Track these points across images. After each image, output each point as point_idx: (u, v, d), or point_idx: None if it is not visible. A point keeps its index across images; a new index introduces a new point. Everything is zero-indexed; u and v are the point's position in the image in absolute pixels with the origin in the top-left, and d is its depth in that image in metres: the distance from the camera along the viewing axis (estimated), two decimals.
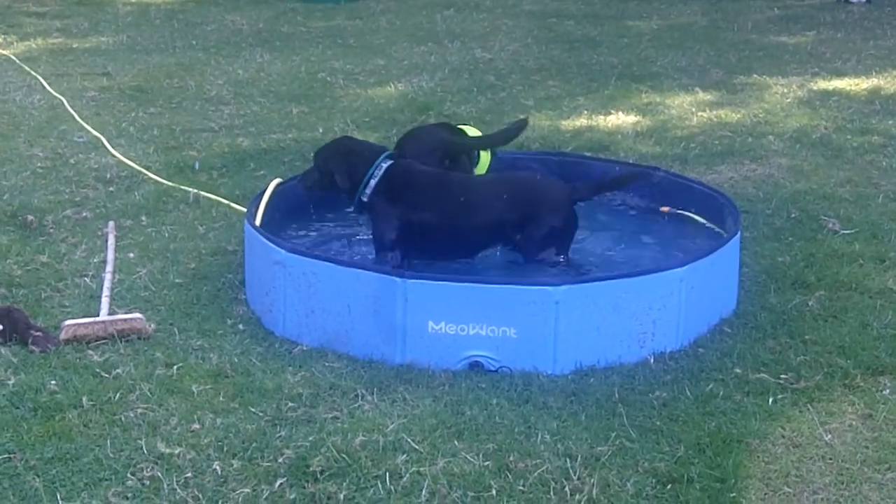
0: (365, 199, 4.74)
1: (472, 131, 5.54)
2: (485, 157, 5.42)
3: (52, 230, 5.56)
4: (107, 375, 4.05)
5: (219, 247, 5.36)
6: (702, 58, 9.91)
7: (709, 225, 5.13)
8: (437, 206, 4.69)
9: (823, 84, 8.85)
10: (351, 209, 4.94)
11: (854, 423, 3.81)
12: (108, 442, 3.62)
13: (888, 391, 4.01)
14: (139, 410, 3.82)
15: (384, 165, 4.75)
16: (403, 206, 4.69)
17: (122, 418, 3.77)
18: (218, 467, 3.48)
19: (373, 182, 4.72)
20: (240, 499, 3.34)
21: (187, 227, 5.63)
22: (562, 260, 4.71)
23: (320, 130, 7.48)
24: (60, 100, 8.10)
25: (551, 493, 3.39)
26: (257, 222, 4.78)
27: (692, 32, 11.19)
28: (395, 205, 4.69)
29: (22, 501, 3.32)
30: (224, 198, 5.99)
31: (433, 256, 4.79)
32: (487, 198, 4.74)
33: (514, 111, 8.00)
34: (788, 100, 8.37)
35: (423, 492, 3.37)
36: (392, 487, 3.40)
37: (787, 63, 9.68)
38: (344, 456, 3.53)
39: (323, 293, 4.31)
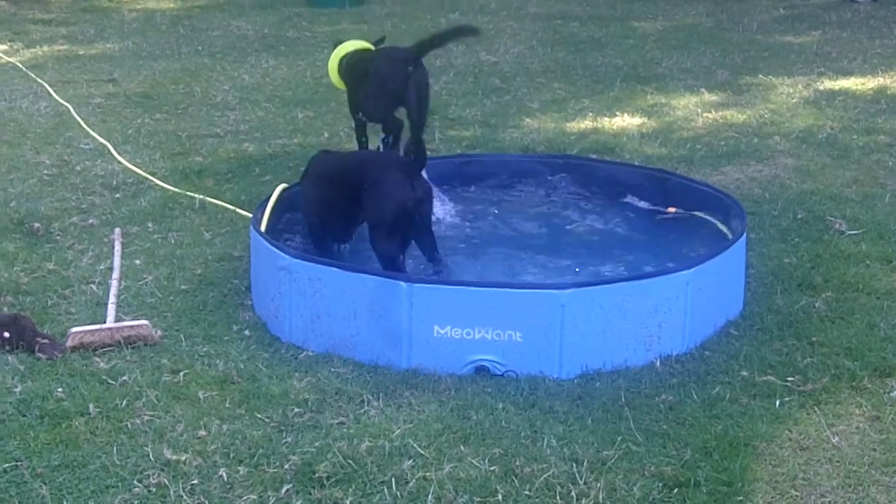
0: None
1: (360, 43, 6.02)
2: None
3: (58, 237, 5.57)
4: (113, 382, 4.06)
5: (225, 253, 5.36)
6: (707, 58, 9.90)
7: (719, 225, 5.12)
8: (317, 184, 4.99)
9: (829, 84, 8.84)
10: None
11: (861, 425, 3.80)
12: (115, 449, 3.62)
13: (895, 393, 4.00)
14: (146, 417, 3.82)
15: None
16: (309, 187, 5.06)
17: (129, 425, 3.77)
18: (224, 474, 3.48)
19: None
20: None
21: (193, 233, 5.64)
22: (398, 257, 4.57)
23: (326, 135, 7.49)
24: (66, 107, 8.11)
25: (557, 497, 3.38)
26: (263, 228, 4.79)
27: (697, 33, 11.18)
28: (307, 185, 5.09)
29: None
30: (230, 203, 6.00)
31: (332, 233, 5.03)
32: (339, 175, 4.88)
33: (518, 113, 8.00)
34: (794, 100, 8.36)
35: (430, 497, 3.37)
36: (398, 493, 3.39)
37: (792, 63, 9.66)
38: (350, 461, 3.53)
39: (328, 298, 4.31)
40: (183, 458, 3.56)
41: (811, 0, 13.32)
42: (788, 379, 4.09)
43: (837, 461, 3.59)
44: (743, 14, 12.25)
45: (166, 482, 3.44)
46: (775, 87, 8.77)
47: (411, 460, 3.56)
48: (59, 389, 3.99)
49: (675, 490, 3.42)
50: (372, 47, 5.97)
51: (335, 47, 6.04)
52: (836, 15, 12.10)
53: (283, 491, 3.40)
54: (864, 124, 7.63)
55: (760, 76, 9.12)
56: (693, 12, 12.51)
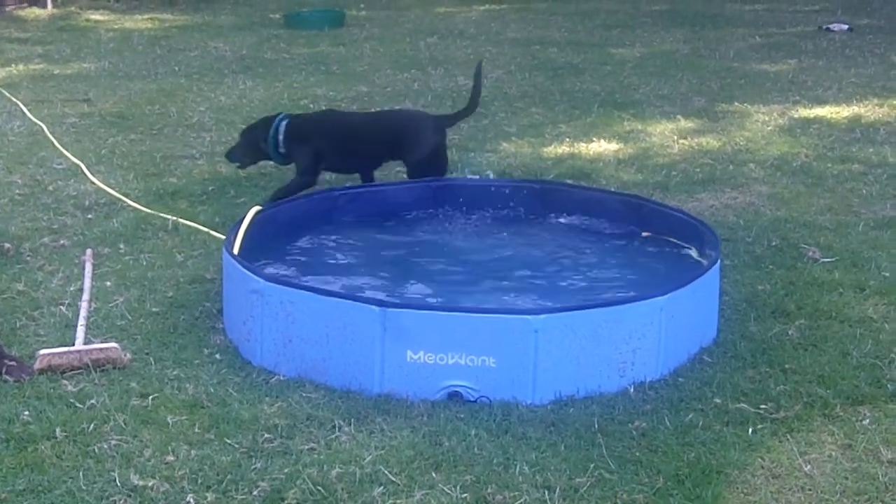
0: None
1: None
2: None
3: (28, 258, 5.52)
4: (81, 406, 4.01)
5: (197, 275, 5.32)
6: (684, 85, 9.94)
7: (693, 254, 5.12)
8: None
9: (804, 112, 8.88)
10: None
11: (834, 453, 3.79)
12: (81, 474, 3.57)
13: (868, 421, 4.00)
14: (113, 441, 3.77)
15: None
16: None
17: (96, 449, 3.72)
18: (192, 500, 3.44)
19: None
20: None
21: (165, 254, 5.60)
22: None
23: None
24: (40, 126, 8.06)
25: None
26: (235, 250, 4.75)
27: (674, 60, 11.23)
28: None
29: None
30: (203, 225, 5.96)
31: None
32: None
33: (496, 138, 8.01)
34: (769, 127, 8.40)
35: None
36: None
37: (768, 91, 9.71)
38: (320, 488, 3.49)
39: (301, 322, 4.27)
40: (150, 484, 3.51)
41: (787, 29, 13.42)
42: (761, 406, 4.08)
43: (810, 489, 3.57)
44: (720, 42, 12.31)
45: None
46: (751, 114, 8.81)
47: (382, 487, 3.52)
48: (26, 412, 3.94)
49: None
50: None
51: None
52: (811, 44, 12.18)
53: None
54: (838, 152, 7.66)
55: (736, 104, 9.16)
56: (670, 39, 12.57)
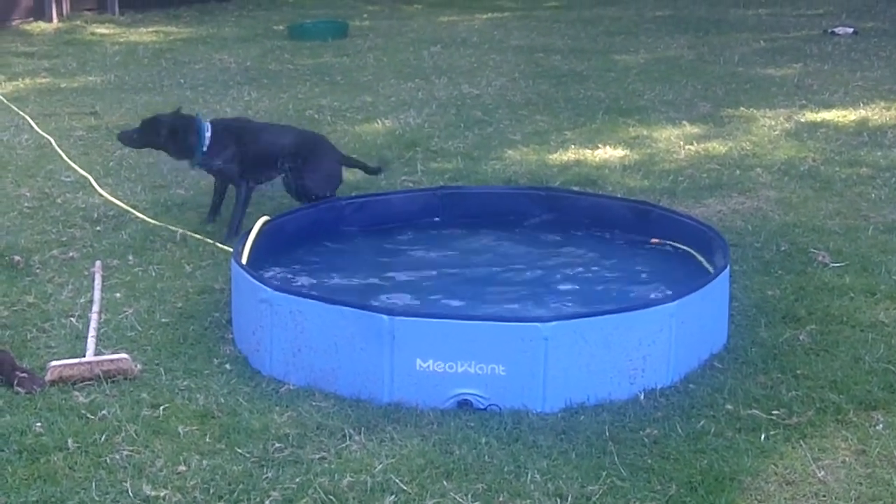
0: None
1: None
2: None
3: (38, 270, 5.53)
4: (92, 417, 4.01)
5: (206, 286, 5.33)
6: (689, 91, 9.94)
7: (700, 258, 5.11)
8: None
9: (811, 116, 8.87)
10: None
11: (847, 459, 3.78)
12: (94, 485, 3.58)
13: (881, 426, 3.98)
14: (125, 452, 3.78)
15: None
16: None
17: (108, 460, 3.73)
18: None
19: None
20: None
21: (174, 266, 5.60)
22: None
23: None
24: (48, 139, 8.06)
25: None
26: (244, 260, 4.75)
27: (679, 66, 11.22)
28: None
29: None
30: (211, 236, 5.97)
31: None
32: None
33: (501, 146, 8.01)
34: (776, 132, 8.39)
35: None
36: None
37: (774, 95, 9.70)
38: (331, 497, 3.49)
39: (309, 332, 4.27)
40: (162, 494, 3.52)
41: (791, 33, 13.40)
42: (773, 412, 4.07)
43: (824, 496, 3.56)
44: (724, 47, 12.31)
45: None
46: (757, 119, 8.80)
47: (394, 496, 3.52)
48: (38, 424, 3.94)
49: None
50: None
51: None
52: (816, 48, 12.17)
53: None
54: (846, 156, 7.65)
55: (742, 108, 9.15)
56: (674, 45, 12.57)
